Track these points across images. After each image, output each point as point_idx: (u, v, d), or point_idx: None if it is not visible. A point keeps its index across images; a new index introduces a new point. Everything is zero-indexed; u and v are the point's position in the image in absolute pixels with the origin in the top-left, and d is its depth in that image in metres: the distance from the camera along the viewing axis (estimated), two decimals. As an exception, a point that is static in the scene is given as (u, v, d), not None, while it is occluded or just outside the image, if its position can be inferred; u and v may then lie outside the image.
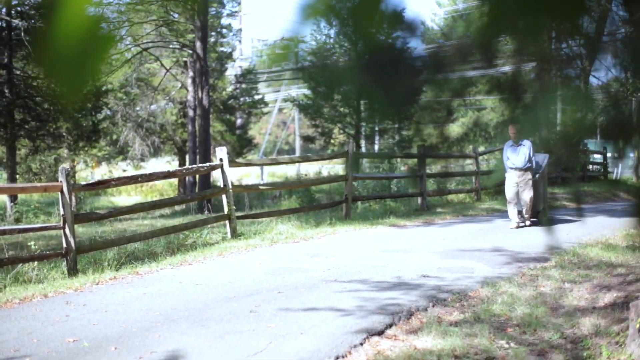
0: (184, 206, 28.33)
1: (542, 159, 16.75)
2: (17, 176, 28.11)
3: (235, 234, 15.34)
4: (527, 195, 16.40)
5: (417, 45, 3.62)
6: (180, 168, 16.14)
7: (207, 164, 16.64)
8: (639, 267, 10.56)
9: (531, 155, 16.32)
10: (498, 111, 43.88)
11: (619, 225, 15.53)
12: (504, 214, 19.48)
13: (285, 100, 53.24)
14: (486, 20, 3.14)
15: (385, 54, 3.37)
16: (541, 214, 16.58)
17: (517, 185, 16.46)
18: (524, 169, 16.37)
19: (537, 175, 16.61)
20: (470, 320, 8.05)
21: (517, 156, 16.42)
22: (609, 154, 33.85)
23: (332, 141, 37.13)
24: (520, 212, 16.62)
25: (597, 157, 34.83)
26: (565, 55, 4.75)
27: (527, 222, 16.60)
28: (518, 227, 16.36)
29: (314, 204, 21.78)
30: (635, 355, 6.55)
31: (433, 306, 8.79)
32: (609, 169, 35.34)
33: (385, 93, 3.29)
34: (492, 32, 3.20)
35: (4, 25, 24.46)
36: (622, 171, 41.37)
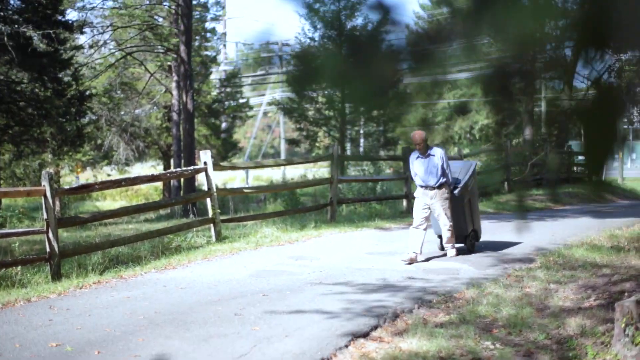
0: (169, 210, 28.24)
1: (464, 168, 13.35)
2: (1, 181, 27.98)
3: (220, 238, 15.29)
4: (444, 219, 12.58)
5: (398, 41, 3.60)
6: (164, 172, 16.09)
7: (192, 167, 16.60)
8: (623, 267, 10.58)
9: (445, 167, 12.53)
10: (482, 114, 44.05)
11: (603, 226, 15.57)
12: (489, 216, 19.49)
13: (270, 103, 53.30)
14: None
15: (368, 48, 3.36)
16: (470, 237, 13.17)
17: (429, 208, 12.60)
18: (437, 186, 12.51)
19: (456, 192, 12.84)
20: (456, 321, 8.04)
21: (426, 170, 12.57)
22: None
23: (317, 144, 37.15)
24: (440, 237, 13.12)
25: (582, 158, 34.91)
26: (550, 56, 4.74)
27: (450, 252, 12.75)
28: (412, 261, 12.16)
29: (299, 207, 21.73)
30: (620, 355, 6.55)
31: (419, 308, 8.78)
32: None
33: (366, 82, 3.28)
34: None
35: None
36: (607, 172, 41.51)
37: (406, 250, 12.34)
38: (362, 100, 3.94)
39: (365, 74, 3.56)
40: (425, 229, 12.47)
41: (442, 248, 13.11)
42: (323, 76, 3.75)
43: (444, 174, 12.55)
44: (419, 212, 12.59)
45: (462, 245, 13.12)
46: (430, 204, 12.58)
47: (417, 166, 12.72)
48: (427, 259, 12.45)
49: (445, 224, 12.64)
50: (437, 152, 12.60)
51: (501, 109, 4.27)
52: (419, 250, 12.30)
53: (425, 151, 12.60)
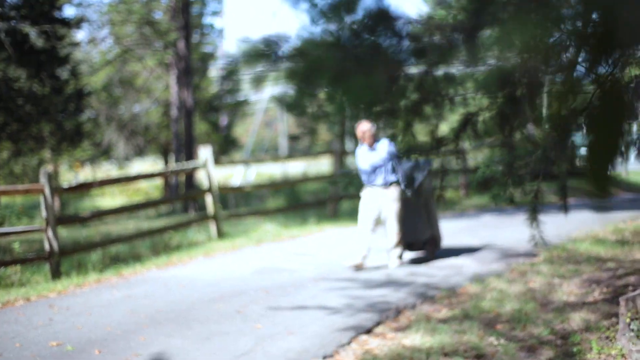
0: (169, 207, 28.20)
1: (419, 167, 11.77)
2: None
3: (221, 234, 15.24)
4: (393, 222, 11.37)
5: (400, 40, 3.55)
6: (164, 169, 16.04)
7: (192, 164, 16.54)
8: (628, 261, 10.52)
9: (395, 163, 11.40)
10: (485, 108, 43.96)
11: (607, 219, 15.51)
12: (492, 210, 19.45)
13: (270, 100, 53.21)
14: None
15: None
16: (429, 244, 12.03)
17: (377, 209, 11.41)
18: (385, 185, 11.38)
19: (410, 192, 11.52)
20: (459, 317, 7.99)
21: (373, 167, 11.44)
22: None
23: (317, 140, 37.11)
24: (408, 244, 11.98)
25: (585, 153, 34.87)
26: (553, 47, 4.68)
27: (392, 262, 11.46)
28: (359, 267, 11.16)
29: (300, 203, 21.68)
30: (625, 349, 6.50)
31: (422, 303, 8.74)
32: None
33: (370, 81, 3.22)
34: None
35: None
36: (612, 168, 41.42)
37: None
38: (360, 97, 3.88)
39: (366, 71, 3.50)
40: (371, 232, 11.38)
41: (401, 256, 11.76)
42: (323, 73, 3.70)
43: (394, 171, 11.36)
44: (365, 214, 11.40)
45: (415, 253, 12.28)
46: (378, 204, 11.37)
47: (364, 162, 11.49)
48: (359, 267, 11.14)
49: (392, 229, 11.37)
50: (386, 147, 11.30)
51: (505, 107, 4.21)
52: (365, 253, 11.18)
53: (372, 145, 11.39)
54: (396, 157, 11.30)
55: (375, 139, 11.41)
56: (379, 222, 11.55)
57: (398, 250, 11.48)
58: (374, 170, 11.38)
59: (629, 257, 10.86)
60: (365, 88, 3.67)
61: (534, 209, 7.01)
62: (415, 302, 8.80)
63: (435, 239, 12.07)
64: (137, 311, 8.72)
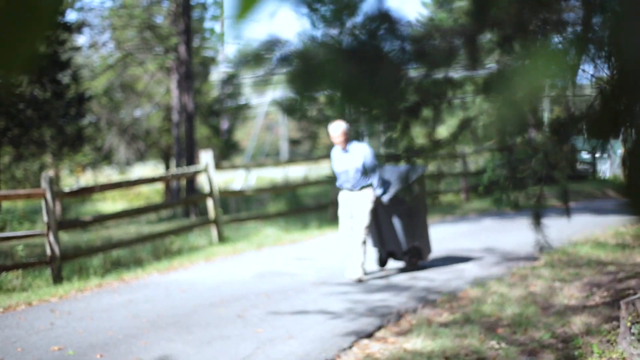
0: (170, 212, 28.21)
1: (405, 173, 11.08)
2: (1, 184, 27.93)
3: (221, 239, 15.24)
4: (360, 229, 10.65)
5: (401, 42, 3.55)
6: (165, 173, 16.04)
7: (193, 168, 16.54)
8: (629, 265, 10.53)
9: (370, 166, 10.71)
10: (485, 112, 43.96)
11: (608, 223, 15.52)
12: (492, 214, 19.45)
13: (271, 104, 53.23)
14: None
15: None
16: (410, 255, 11.27)
17: (351, 213, 10.85)
18: (358, 189, 10.74)
19: (385, 198, 10.79)
20: (461, 321, 7.99)
21: (347, 170, 10.80)
22: (597, 153, 33.87)
23: (318, 144, 37.15)
24: (389, 253, 11.48)
25: (586, 156, 34.89)
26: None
27: (355, 272, 10.62)
28: (361, 279, 10.62)
29: (301, 207, 21.68)
30: (626, 353, 6.51)
31: (423, 307, 8.75)
32: (598, 168, 35.40)
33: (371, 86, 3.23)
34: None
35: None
36: (611, 169, 41.44)
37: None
38: (361, 100, 3.89)
39: (367, 74, 3.50)
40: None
41: (383, 263, 11.48)
42: (324, 77, 3.70)
43: (368, 175, 10.72)
44: (344, 222, 10.92)
45: (397, 263, 11.64)
46: (351, 209, 10.80)
47: (338, 164, 10.91)
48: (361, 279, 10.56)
49: (356, 238, 10.63)
50: (361, 149, 10.73)
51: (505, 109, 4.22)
52: (363, 264, 10.67)
53: (346, 147, 10.77)
54: (371, 160, 10.69)
55: (349, 140, 10.80)
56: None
57: (360, 259, 10.61)
58: (347, 172, 10.77)
59: (630, 260, 10.87)
60: (366, 91, 3.67)
61: (538, 213, 7.02)
62: (416, 306, 8.80)
63: (419, 250, 11.31)
64: (139, 315, 8.73)
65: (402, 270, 11.28)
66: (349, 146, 10.75)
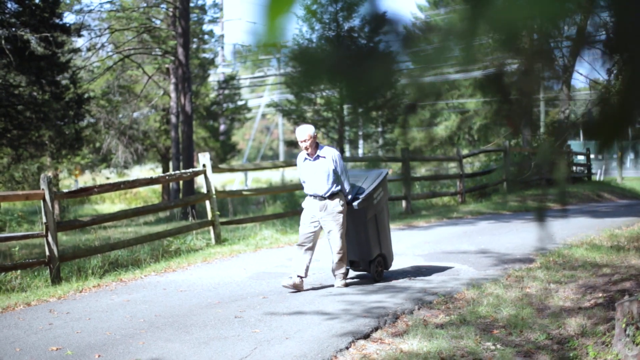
0: (168, 213, 28.26)
1: (371, 177, 10.82)
2: (0, 185, 27.96)
3: (219, 240, 15.28)
4: (335, 239, 10.15)
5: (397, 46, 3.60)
6: (163, 174, 16.07)
7: (190, 170, 16.58)
8: (624, 267, 10.57)
9: (339, 172, 10.20)
10: (482, 113, 44.09)
11: (603, 225, 15.58)
12: (488, 216, 19.52)
13: (268, 105, 53.29)
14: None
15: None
16: (376, 264, 10.72)
17: (318, 222, 10.24)
18: (327, 196, 10.18)
19: (355, 204, 10.33)
20: (456, 322, 8.04)
21: (314, 176, 10.23)
22: (592, 155, 33.97)
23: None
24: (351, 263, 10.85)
25: (581, 159, 34.98)
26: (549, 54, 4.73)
27: (337, 282, 10.31)
28: (297, 287, 10.03)
29: (298, 209, 21.73)
30: (621, 354, 6.55)
31: (419, 309, 8.78)
32: (593, 170, 35.48)
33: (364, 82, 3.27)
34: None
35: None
36: (606, 172, 41.51)
37: (406, 251, 12.28)
38: (360, 101, 3.96)
39: (363, 75, 3.55)
40: (311, 249, 10.25)
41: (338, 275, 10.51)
42: (321, 77, 3.75)
43: (337, 180, 10.19)
44: (305, 227, 10.27)
45: (364, 271, 11.04)
46: (319, 217, 10.20)
47: (305, 170, 10.36)
48: (297, 288, 10.03)
49: (336, 245, 10.19)
50: (329, 154, 10.20)
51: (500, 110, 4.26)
52: (303, 274, 10.12)
53: (314, 152, 10.24)
54: (341, 165, 10.24)
55: (317, 145, 10.31)
56: (318, 236, 10.36)
57: (343, 269, 10.32)
58: (315, 178, 10.22)
59: (625, 262, 10.92)
60: (362, 92, 3.72)
61: (541, 213, 7.06)
62: (413, 307, 8.84)
63: (384, 258, 10.84)
64: (137, 316, 8.77)
65: (366, 280, 10.79)
66: (318, 151, 10.26)
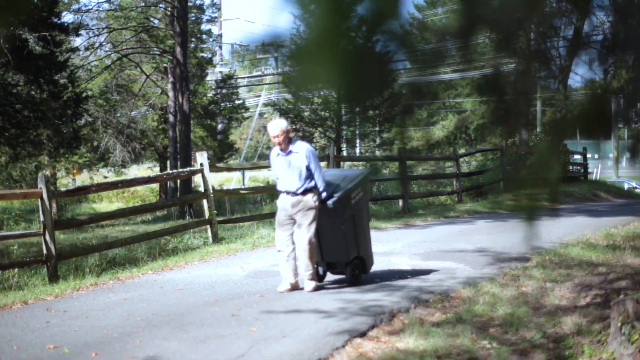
0: (165, 212, 28.26)
1: (350, 176, 10.41)
2: (-3, 183, 27.98)
3: (216, 239, 15.29)
4: (303, 235, 9.73)
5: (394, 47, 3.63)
6: (161, 173, 16.11)
7: (188, 169, 16.61)
8: (619, 266, 10.60)
9: (313, 168, 9.78)
10: (478, 113, 44.11)
11: (599, 224, 15.61)
12: (485, 215, 19.55)
13: (265, 105, 53.31)
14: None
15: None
16: (353, 266, 10.21)
17: (293, 220, 9.85)
18: (300, 193, 9.76)
19: (330, 202, 9.85)
20: (453, 320, 8.05)
21: (287, 171, 9.86)
22: (588, 155, 34.01)
23: (313, 145, 37.25)
24: (329, 265, 10.49)
25: (577, 158, 35.03)
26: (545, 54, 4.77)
27: (307, 285, 9.85)
28: (293, 288, 9.85)
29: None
30: (617, 353, 6.57)
31: (415, 307, 8.79)
32: (589, 169, 35.53)
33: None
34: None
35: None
36: (602, 171, 41.57)
37: (403, 250, 12.27)
38: (357, 100, 3.98)
39: (361, 75, 3.58)
40: (292, 251, 9.82)
41: (320, 278, 10.35)
42: (318, 77, 3.77)
43: (310, 176, 9.78)
44: (281, 231, 9.94)
45: (341, 274, 10.51)
46: (292, 214, 9.81)
47: (278, 166, 10.01)
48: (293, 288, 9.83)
49: (302, 242, 9.72)
50: (302, 149, 9.85)
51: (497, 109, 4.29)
52: (293, 279, 9.84)
53: (286, 147, 9.88)
54: (315, 161, 9.85)
55: (290, 140, 9.96)
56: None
57: (310, 270, 9.80)
58: (288, 174, 9.84)
59: (620, 261, 10.95)
60: (359, 92, 3.75)
61: (532, 213, 7.09)
62: (409, 305, 8.85)
63: (363, 260, 10.37)
64: (134, 314, 8.78)
65: (343, 284, 10.30)
66: (291, 146, 9.88)
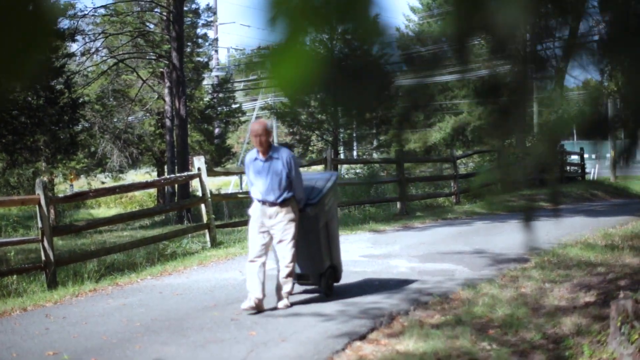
0: (163, 216, 28.24)
1: (321, 180, 9.75)
2: (-5, 190, 27.96)
3: (215, 243, 15.29)
4: (285, 250, 9.03)
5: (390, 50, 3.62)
6: (158, 178, 16.11)
7: (185, 173, 16.61)
8: (618, 265, 10.61)
9: (293, 176, 9.02)
10: (475, 115, 44.10)
11: (597, 224, 15.62)
12: (483, 217, 19.54)
13: (262, 108, 53.26)
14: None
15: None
16: (327, 277, 9.63)
17: (268, 231, 9.06)
18: (279, 203, 8.98)
19: (309, 209, 9.26)
20: (452, 322, 8.05)
21: (265, 179, 9.01)
22: (585, 155, 34.02)
23: (310, 148, 37.20)
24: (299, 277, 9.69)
25: (574, 158, 35.05)
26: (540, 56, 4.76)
27: (281, 303, 9.09)
28: (257, 309, 8.83)
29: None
30: (617, 353, 6.57)
31: (414, 309, 8.79)
32: (587, 170, 35.55)
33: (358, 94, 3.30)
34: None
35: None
36: (600, 171, 41.58)
37: (402, 252, 12.26)
38: (353, 104, 3.96)
39: (357, 78, 3.58)
40: (264, 264, 9.08)
41: (279, 295, 9.24)
42: (314, 81, 3.77)
43: (290, 185, 9.01)
44: (255, 239, 9.10)
45: (314, 285, 9.92)
46: (269, 226, 9.03)
47: (254, 173, 9.15)
48: (258, 308, 8.90)
49: (285, 258, 9.05)
50: (283, 155, 9.03)
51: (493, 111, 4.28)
52: (261, 295, 8.88)
53: (266, 151, 9.05)
54: (296, 168, 9.13)
55: (269, 144, 9.14)
56: (269, 247, 9.20)
57: (289, 286, 9.17)
58: (266, 182, 9.02)
59: (619, 261, 10.96)
60: (356, 96, 3.74)
61: (529, 215, 7.09)
62: (408, 308, 8.84)
63: (335, 269, 9.85)
64: (133, 320, 8.77)
65: (313, 298, 9.69)
66: (270, 152, 9.09)
